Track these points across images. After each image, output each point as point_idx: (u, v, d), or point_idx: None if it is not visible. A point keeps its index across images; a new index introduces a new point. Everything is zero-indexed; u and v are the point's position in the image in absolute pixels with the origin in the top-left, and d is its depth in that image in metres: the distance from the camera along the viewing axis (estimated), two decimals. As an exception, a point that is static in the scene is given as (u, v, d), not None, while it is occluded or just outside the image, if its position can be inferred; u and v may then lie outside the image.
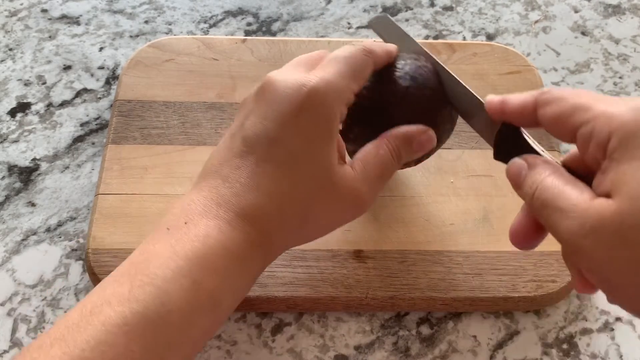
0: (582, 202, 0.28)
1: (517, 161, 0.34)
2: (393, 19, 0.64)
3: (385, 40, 0.45)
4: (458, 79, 0.40)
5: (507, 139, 0.37)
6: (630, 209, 0.26)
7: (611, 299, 0.29)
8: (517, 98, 0.34)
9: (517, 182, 0.33)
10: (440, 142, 0.41)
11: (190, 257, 0.32)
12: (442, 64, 0.41)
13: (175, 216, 0.34)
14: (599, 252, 0.27)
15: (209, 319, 0.33)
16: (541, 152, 0.35)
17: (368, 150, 0.38)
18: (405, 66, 0.40)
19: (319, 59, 0.38)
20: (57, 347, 0.29)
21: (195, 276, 0.32)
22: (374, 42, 0.41)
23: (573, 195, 0.29)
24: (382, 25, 0.45)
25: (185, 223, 0.33)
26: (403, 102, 0.39)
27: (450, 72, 0.41)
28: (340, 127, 0.39)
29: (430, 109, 0.40)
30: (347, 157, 0.41)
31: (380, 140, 0.38)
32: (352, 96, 0.37)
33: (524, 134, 0.36)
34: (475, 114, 0.39)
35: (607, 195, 0.27)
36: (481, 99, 0.38)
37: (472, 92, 0.39)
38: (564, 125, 0.31)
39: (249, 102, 0.37)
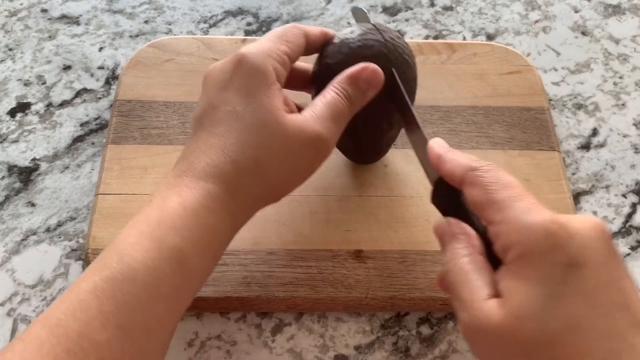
0: (478, 299, 0.29)
1: (442, 226, 0.34)
2: (392, 18, 0.64)
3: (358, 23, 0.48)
4: (403, 89, 0.42)
5: (446, 187, 0.35)
6: (511, 325, 0.27)
7: None
8: (451, 163, 0.34)
9: (441, 245, 0.34)
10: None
11: (151, 221, 0.33)
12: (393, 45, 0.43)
13: (145, 202, 0.36)
14: (478, 350, 0.30)
15: (177, 278, 0.33)
16: (470, 215, 0.34)
17: (318, 95, 0.40)
18: (356, 32, 0.43)
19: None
20: (39, 324, 0.30)
21: (155, 235, 0.33)
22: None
23: (475, 288, 0.30)
24: (359, 15, 0.49)
25: (150, 201, 0.35)
26: (350, 57, 0.42)
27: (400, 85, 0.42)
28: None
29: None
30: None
31: (330, 84, 0.40)
32: (282, 55, 0.39)
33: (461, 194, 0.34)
34: (418, 141, 0.40)
35: (500, 301, 0.29)
36: (427, 137, 0.38)
37: (421, 127, 0.40)
38: (479, 214, 0.32)
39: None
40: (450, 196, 0.35)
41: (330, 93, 0.39)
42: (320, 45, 0.43)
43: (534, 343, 0.27)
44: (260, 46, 0.39)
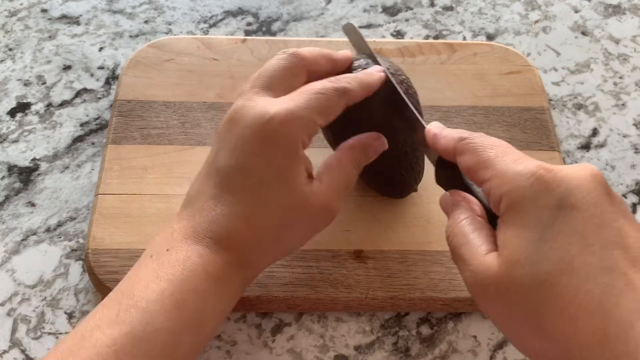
0: (478, 255, 0.31)
1: (445, 198, 0.37)
2: (392, 18, 0.64)
3: (351, 41, 0.48)
4: (405, 97, 0.43)
5: (446, 165, 0.38)
6: (506, 272, 0.29)
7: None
8: (444, 138, 0.36)
9: (447, 216, 0.36)
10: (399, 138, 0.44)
11: (172, 280, 0.34)
12: (390, 73, 0.44)
13: (157, 244, 0.37)
14: (485, 306, 0.31)
15: (195, 337, 0.34)
16: (470, 186, 0.36)
17: (331, 164, 0.40)
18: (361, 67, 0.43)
19: (286, 80, 0.39)
20: None
21: (177, 297, 0.33)
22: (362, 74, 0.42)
23: (474, 246, 0.31)
24: (351, 31, 0.47)
25: (167, 250, 0.36)
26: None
27: (401, 92, 0.43)
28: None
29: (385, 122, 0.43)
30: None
31: (341, 153, 0.40)
32: (316, 129, 0.38)
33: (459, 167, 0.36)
34: (420, 133, 0.40)
35: (498, 253, 0.30)
36: (424, 123, 0.40)
37: (418, 117, 0.41)
38: (473, 178, 0.34)
39: (221, 132, 0.39)
40: (451, 173, 0.37)
41: (345, 161, 0.40)
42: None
43: (529, 286, 0.28)
44: (298, 115, 0.36)
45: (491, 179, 0.31)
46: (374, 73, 0.42)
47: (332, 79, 0.39)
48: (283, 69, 0.39)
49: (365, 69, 0.42)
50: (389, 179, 0.47)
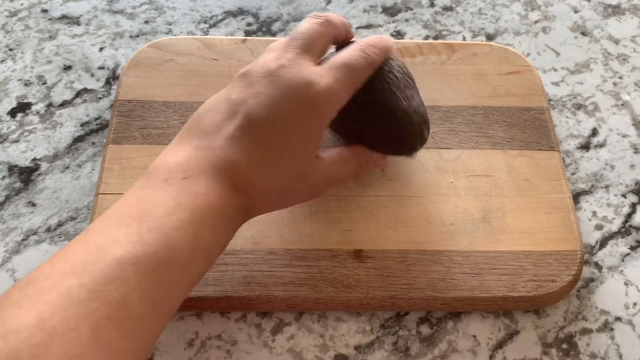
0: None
1: None
2: (392, 19, 0.65)
3: None
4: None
5: None
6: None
7: None
8: None
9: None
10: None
11: (194, 211, 0.35)
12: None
13: (170, 170, 0.37)
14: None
15: (202, 268, 0.37)
16: None
17: (335, 160, 0.43)
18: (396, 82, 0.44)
19: (321, 46, 0.42)
20: (71, 278, 0.30)
21: (197, 229, 0.35)
22: (375, 38, 0.44)
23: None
24: None
25: (184, 178, 0.36)
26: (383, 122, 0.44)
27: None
28: None
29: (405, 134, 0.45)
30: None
31: (348, 152, 0.44)
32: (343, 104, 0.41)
33: None
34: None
35: None
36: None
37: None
38: None
39: (258, 79, 0.40)
40: None
41: (350, 164, 0.44)
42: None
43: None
44: (337, 94, 0.40)
45: None
46: (383, 37, 0.44)
47: (362, 49, 0.42)
48: (320, 34, 0.42)
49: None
50: (393, 139, 0.46)
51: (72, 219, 0.50)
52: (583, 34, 0.64)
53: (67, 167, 0.53)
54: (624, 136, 0.56)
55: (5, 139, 0.54)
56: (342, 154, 0.43)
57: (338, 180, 0.44)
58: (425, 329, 0.46)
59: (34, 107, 0.56)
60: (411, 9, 0.65)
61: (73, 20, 0.62)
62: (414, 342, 0.45)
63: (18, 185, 0.52)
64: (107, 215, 0.35)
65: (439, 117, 0.54)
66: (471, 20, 0.64)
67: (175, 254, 0.33)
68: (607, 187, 0.53)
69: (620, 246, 0.50)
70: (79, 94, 0.57)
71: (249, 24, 0.63)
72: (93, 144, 0.54)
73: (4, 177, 0.52)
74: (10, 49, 0.60)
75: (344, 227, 0.48)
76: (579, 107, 0.58)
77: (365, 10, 0.65)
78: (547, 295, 0.45)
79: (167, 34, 0.62)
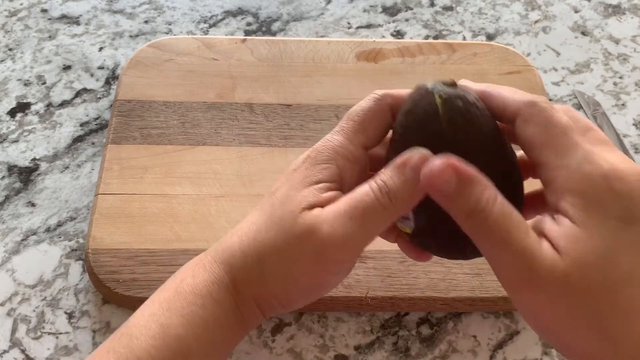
0: (532, 246, 0.27)
1: (447, 163, 0.27)
2: (392, 18, 0.65)
3: None
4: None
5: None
6: (578, 273, 0.27)
7: (543, 337, 0.30)
8: (501, 96, 0.31)
9: (447, 188, 0.27)
10: None
11: (162, 302, 0.32)
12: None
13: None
14: (530, 298, 0.28)
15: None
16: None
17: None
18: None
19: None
20: None
21: (162, 320, 0.31)
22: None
23: (523, 233, 0.28)
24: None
25: (173, 277, 0.34)
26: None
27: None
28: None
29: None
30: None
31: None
32: (350, 154, 0.33)
33: None
34: None
35: (558, 249, 0.28)
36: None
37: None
38: (530, 152, 0.30)
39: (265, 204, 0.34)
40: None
41: (368, 185, 0.31)
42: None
43: (597, 290, 0.27)
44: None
45: (560, 169, 0.28)
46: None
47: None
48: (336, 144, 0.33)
49: None
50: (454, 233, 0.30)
51: (72, 219, 0.50)
52: (583, 33, 0.64)
53: (67, 167, 0.53)
54: (624, 136, 0.56)
55: (4, 139, 0.54)
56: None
57: (351, 217, 0.30)
58: (425, 329, 0.46)
59: (33, 107, 0.56)
60: (411, 9, 0.65)
61: (73, 20, 0.62)
62: (414, 343, 0.45)
63: (18, 185, 0.52)
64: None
65: (439, 117, 0.54)
66: (471, 20, 0.64)
67: (136, 355, 0.31)
68: (607, 187, 0.53)
69: (621, 246, 0.50)
70: (78, 93, 0.57)
71: (248, 24, 0.63)
72: (93, 144, 0.54)
73: (3, 177, 0.52)
74: (10, 49, 0.60)
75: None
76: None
77: (365, 10, 0.65)
78: (548, 295, 0.45)
79: (167, 33, 0.62)
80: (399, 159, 0.30)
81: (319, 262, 0.31)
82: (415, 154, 0.29)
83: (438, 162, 0.27)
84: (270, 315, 0.35)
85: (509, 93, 0.31)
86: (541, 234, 0.28)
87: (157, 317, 0.32)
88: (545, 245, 0.28)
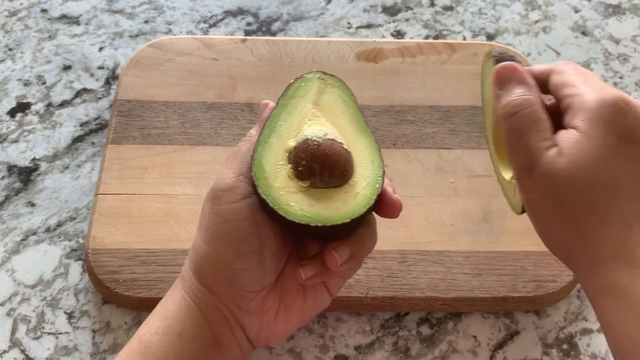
0: (542, 147, 0.33)
1: (509, 66, 0.36)
2: (392, 18, 0.64)
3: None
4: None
5: None
6: (568, 171, 0.32)
7: (535, 227, 0.35)
8: (538, 67, 0.38)
9: (499, 85, 0.36)
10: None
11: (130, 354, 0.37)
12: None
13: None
14: (530, 189, 0.34)
15: None
16: None
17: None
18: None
19: None
20: None
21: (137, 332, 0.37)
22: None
23: (540, 137, 0.34)
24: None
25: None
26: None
27: None
28: None
29: None
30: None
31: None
32: None
33: None
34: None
35: (560, 151, 0.33)
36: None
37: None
38: (557, 92, 0.36)
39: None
40: None
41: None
42: None
43: (584, 187, 0.32)
44: None
45: (575, 96, 0.34)
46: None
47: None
48: None
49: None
50: None
51: (72, 219, 0.50)
52: (583, 33, 0.64)
53: (67, 167, 0.53)
54: (624, 136, 0.56)
55: (4, 139, 0.54)
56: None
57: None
58: (425, 330, 0.46)
59: (33, 107, 0.56)
60: (411, 9, 0.65)
61: (72, 20, 0.62)
62: (414, 343, 0.45)
63: (17, 185, 0.52)
64: None
65: (439, 117, 0.54)
66: (471, 20, 0.64)
67: None
68: (607, 187, 0.53)
69: (621, 246, 0.50)
70: (78, 93, 0.57)
71: (248, 24, 0.63)
72: (92, 144, 0.54)
73: (3, 177, 0.52)
74: (10, 49, 0.60)
75: (344, 227, 0.48)
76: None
77: (365, 10, 0.65)
78: (548, 295, 0.45)
79: (166, 33, 0.62)
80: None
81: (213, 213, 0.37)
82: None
83: (506, 63, 0.36)
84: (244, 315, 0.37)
85: (543, 66, 0.38)
86: (554, 144, 0.33)
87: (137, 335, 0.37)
88: (554, 149, 0.33)
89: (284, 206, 0.35)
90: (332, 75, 0.40)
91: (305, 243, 0.40)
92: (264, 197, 0.35)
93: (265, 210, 0.35)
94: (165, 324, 0.36)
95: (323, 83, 0.40)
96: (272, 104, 0.40)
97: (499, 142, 0.40)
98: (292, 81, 0.40)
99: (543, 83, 0.37)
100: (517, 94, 0.35)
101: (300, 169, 0.36)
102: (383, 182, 0.37)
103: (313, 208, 0.35)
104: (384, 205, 0.36)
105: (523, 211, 0.37)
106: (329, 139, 0.37)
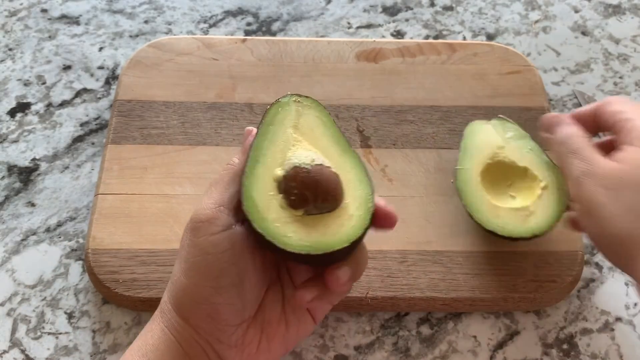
0: (597, 156, 0.39)
1: (554, 115, 0.43)
2: (392, 18, 0.64)
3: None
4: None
5: None
6: (628, 169, 0.38)
7: (584, 226, 0.39)
8: (583, 112, 0.44)
9: (548, 129, 0.43)
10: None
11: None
12: None
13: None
14: (592, 188, 0.38)
15: None
16: None
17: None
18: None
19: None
20: None
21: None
22: None
23: (593, 150, 0.40)
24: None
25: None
26: None
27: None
28: None
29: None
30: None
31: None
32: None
33: None
34: None
35: (614, 159, 0.38)
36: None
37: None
38: (611, 120, 0.41)
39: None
40: None
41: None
42: None
43: (637, 183, 0.37)
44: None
45: (627, 120, 0.40)
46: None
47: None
48: None
49: None
50: None
51: (72, 219, 0.50)
52: (583, 33, 0.64)
53: (67, 167, 0.53)
54: (624, 136, 0.56)
55: (4, 139, 0.54)
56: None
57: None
58: (425, 330, 0.46)
59: (33, 107, 0.56)
60: (411, 9, 0.65)
61: (72, 20, 0.62)
62: (414, 343, 0.45)
63: (18, 185, 0.52)
64: None
65: (439, 117, 0.54)
66: (471, 20, 0.64)
67: None
68: (607, 187, 0.53)
69: (621, 246, 0.50)
70: (78, 93, 0.57)
71: (248, 24, 0.63)
72: (92, 144, 0.54)
73: (3, 177, 0.52)
74: (10, 49, 0.60)
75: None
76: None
77: (365, 10, 0.65)
78: (548, 295, 0.45)
79: (166, 33, 0.62)
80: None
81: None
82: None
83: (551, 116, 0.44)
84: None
85: (588, 107, 0.44)
86: (607, 156, 0.39)
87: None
88: (608, 159, 0.39)
89: (283, 238, 0.34)
90: (307, 97, 0.40)
91: (291, 268, 0.39)
92: (260, 231, 0.34)
93: (261, 243, 0.35)
94: (147, 358, 0.36)
95: (300, 106, 0.39)
96: (254, 130, 0.39)
97: (489, 177, 0.47)
98: (268, 107, 0.39)
99: (590, 122, 0.43)
100: (564, 131, 0.41)
101: (292, 198, 0.35)
102: (374, 200, 0.37)
103: (311, 236, 0.35)
104: (379, 219, 0.37)
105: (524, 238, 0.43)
106: (317, 165, 0.36)
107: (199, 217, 0.36)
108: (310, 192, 0.35)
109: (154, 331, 0.37)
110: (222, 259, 0.35)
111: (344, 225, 0.36)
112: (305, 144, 0.38)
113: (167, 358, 0.36)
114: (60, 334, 0.45)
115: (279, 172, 0.36)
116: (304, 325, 0.39)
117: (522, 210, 0.45)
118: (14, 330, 0.45)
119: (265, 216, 0.35)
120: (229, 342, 0.36)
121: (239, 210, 0.36)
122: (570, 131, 0.41)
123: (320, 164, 0.36)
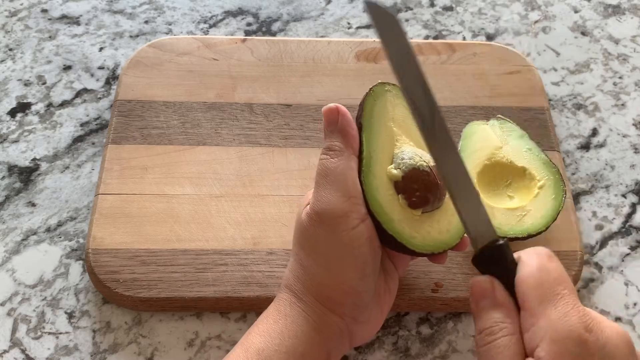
0: None
1: (483, 286, 0.34)
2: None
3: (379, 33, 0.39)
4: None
5: (492, 253, 0.34)
6: None
7: None
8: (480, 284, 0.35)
9: (475, 304, 0.34)
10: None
11: (249, 330, 0.40)
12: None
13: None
14: None
15: None
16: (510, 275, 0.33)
17: None
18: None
19: None
20: None
21: (244, 340, 0.39)
22: None
23: None
24: (384, 22, 0.40)
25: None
26: None
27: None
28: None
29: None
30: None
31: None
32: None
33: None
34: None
35: None
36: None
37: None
38: (521, 303, 0.33)
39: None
40: (496, 262, 0.34)
41: None
42: None
43: None
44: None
45: (540, 316, 0.31)
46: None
47: None
48: None
49: None
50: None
51: (72, 219, 0.50)
52: (583, 33, 0.64)
53: (67, 167, 0.53)
54: (624, 136, 0.56)
55: (5, 139, 0.54)
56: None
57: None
58: (425, 329, 0.46)
59: (33, 107, 0.56)
60: (411, 9, 0.65)
61: (73, 20, 0.62)
62: (414, 342, 0.45)
63: (18, 185, 0.52)
64: None
65: (439, 117, 0.54)
66: (471, 20, 0.64)
67: None
68: (607, 187, 0.53)
69: (621, 246, 0.50)
70: (78, 94, 0.57)
71: (249, 24, 0.63)
72: (93, 144, 0.54)
73: (3, 177, 0.52)
74: (10, 49, 0.60)
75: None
76: (579, 107, 0.58)
77: (365, 10, 0.65)
78: (547, 295, 0.45)
79: (167, 33, 0.62)
80: None
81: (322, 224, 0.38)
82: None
83: (484, 279, 0.34)
84: (347, 318, 0.39)
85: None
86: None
87: (243, 339, 0.39)
88: None
89: (410, 240, 0.37)
90: (393, 85, 0.41)
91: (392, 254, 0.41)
92: (391, 233, 0.37)
93: (388, 243, 0.38)
94: (288, 343, 0.38)
95: (390, 95, 0.41)
96: (342, 109, 0.39)
97: (487, 178, 0.47)
98: (364, 96, 0.40)
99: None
100: (493, 319, 0.33)
101: (414, 199, 0.38)
102: None
103: (430, 236, 0.38)
104: None
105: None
106: (432, 166, 0.38)
107: (333, 212, 0.37)
108: (432, 195, 0.38)
109: (294, 317, 0.39)
110: (364, 250, 0.37)
111: (451, 222, 0.39)
112: (404, 137, 0.40)
113: (308, 347, 0.38)
114: (61, 333, 0.45)
115: (394, 171, 0.38)
116: (395, 285, 0.42)
117: (517, 210, 0.45)
118: (14, 330, 0.45)
119: (391, 217, 0.37)
120: (362, 319, 0.39)
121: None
122: (495, 327, 0.33)
123: (433, 165, 0.38)
